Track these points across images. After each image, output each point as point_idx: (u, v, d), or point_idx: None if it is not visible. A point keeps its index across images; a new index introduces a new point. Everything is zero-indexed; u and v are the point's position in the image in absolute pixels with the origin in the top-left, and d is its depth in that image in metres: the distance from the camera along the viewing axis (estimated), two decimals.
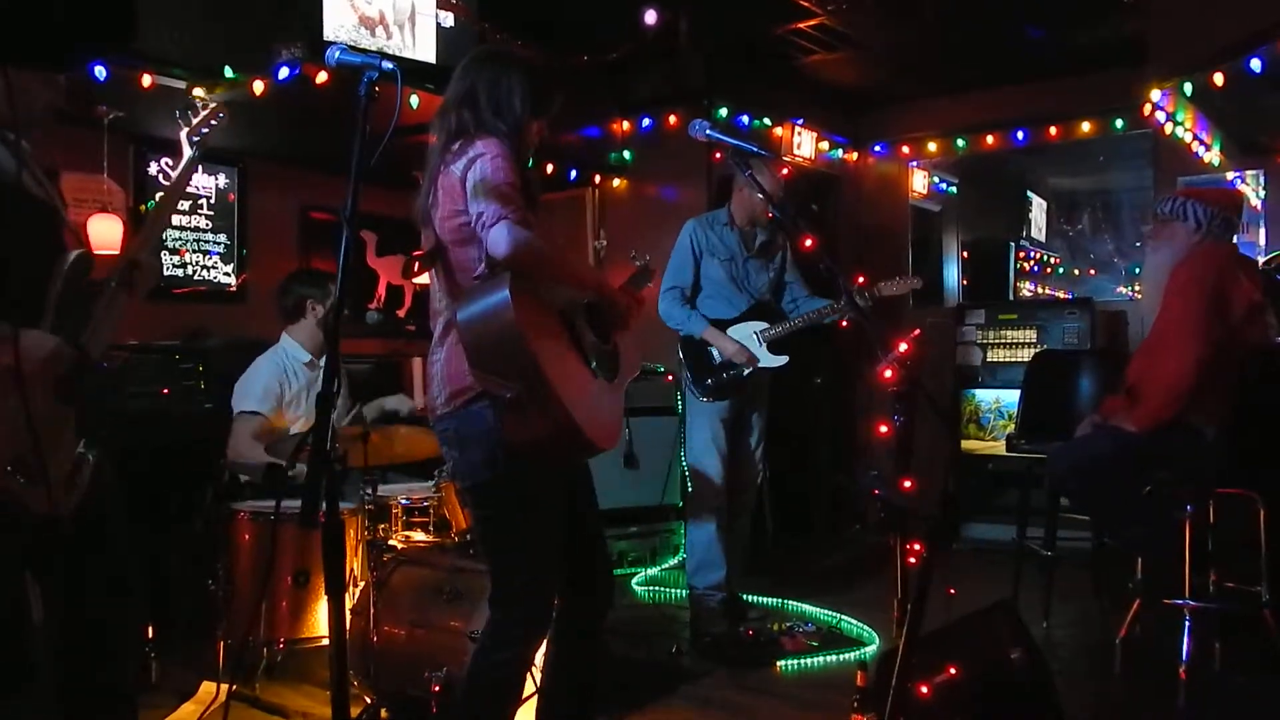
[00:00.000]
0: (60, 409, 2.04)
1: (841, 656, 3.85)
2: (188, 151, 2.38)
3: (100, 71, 3.84)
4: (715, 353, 4.25)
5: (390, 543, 3.50)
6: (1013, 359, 6.07)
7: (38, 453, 1.93)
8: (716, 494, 4.29)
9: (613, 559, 3.98)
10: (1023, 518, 4.44)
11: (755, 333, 4.24)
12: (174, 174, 2.38)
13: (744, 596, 4.49)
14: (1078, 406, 4.66)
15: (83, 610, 2.14)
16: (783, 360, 4.26)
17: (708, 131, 2.64)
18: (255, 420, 3.80)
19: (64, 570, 2.11)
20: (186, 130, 2.39)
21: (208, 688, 3.29)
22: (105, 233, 4.36)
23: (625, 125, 6.18)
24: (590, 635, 2.51)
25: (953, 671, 2.41)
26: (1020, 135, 6.43)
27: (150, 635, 3.37)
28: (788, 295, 4.42)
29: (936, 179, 7.45)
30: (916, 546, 2.28)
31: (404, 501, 3.63)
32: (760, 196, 3.99)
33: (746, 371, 4.23)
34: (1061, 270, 9.86)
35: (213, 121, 2.41)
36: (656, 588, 4.98)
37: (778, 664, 3.78)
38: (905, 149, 6.94)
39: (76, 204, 4.39)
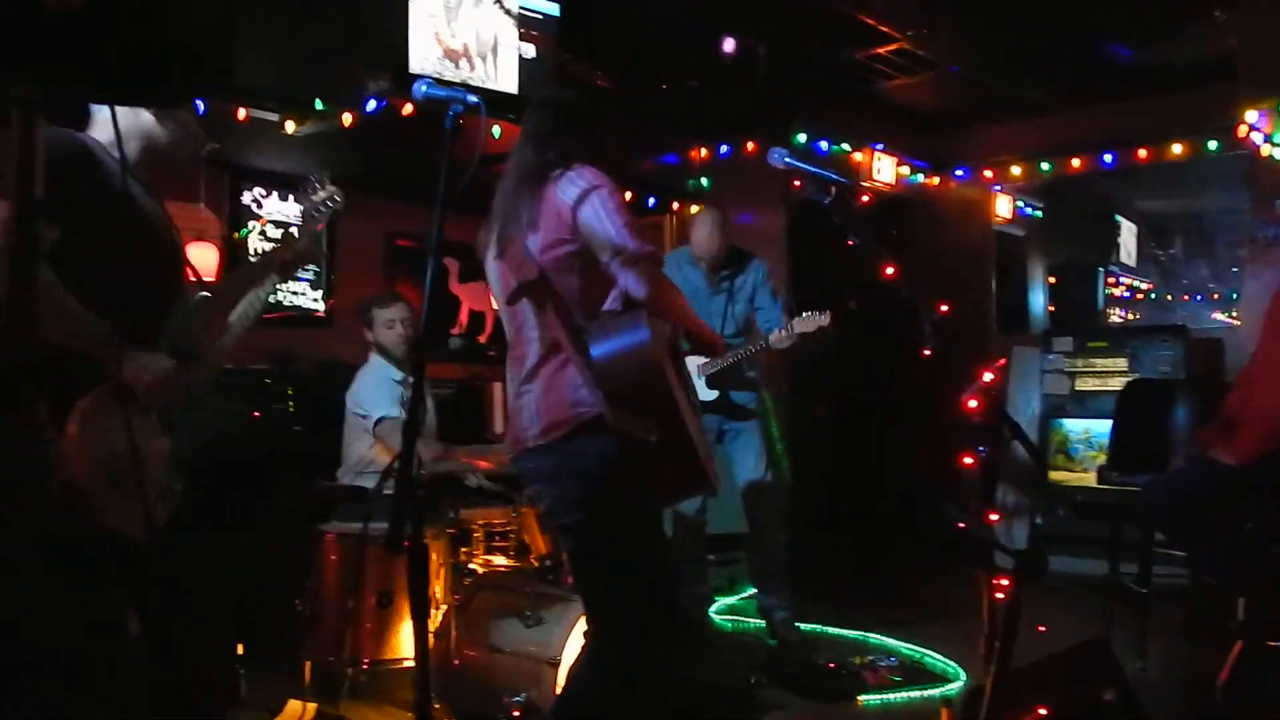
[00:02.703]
0: (159, 431, 2.11)
1: (925, 693, 3.76)
2: (300, 222, 2.50)
3: (199, 105, 4.00)
4: None
5: (471, 566, 3.53)
6: (1102, 388, 5.91)
7: (137, 472, 1.99)
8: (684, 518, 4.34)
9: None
10: (1114, 552, 4.30)
11: (696, 366, 4.24)
12: (295, 239, 2.49)
13: (824, 629, 4.44)
14: (1172, 438, 4.51)
15: (169, 630, 2.19)
16: (713, 395, 4.31)
17: (786, 159, 2.64)
18: (398, 421, 3.84)
19: (153, 589, 2.17)
20: (305, 207, 2.50)
21: (294, 706, 3.35)
22: (201, 260, 4.52)
23: (703, 152, 6.20)
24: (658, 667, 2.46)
25: (1042, 712, 2.34)
26: (1108, 157, 6.27)
27: (240, 652, 3.45)
28: (760, 319, 4.40)
29: (1021, 203, 7.31)
30: (1004, 581, 2.22)
31: (485, 526, 3.67)
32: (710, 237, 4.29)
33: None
34: (1154, 296, 9.57)
35: (329, 203, 2.52)
36: (735, 617, 4.93)
37: (859, 698, 3.71)
38: (988, 172, 6.83)
39: None
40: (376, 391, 3.93)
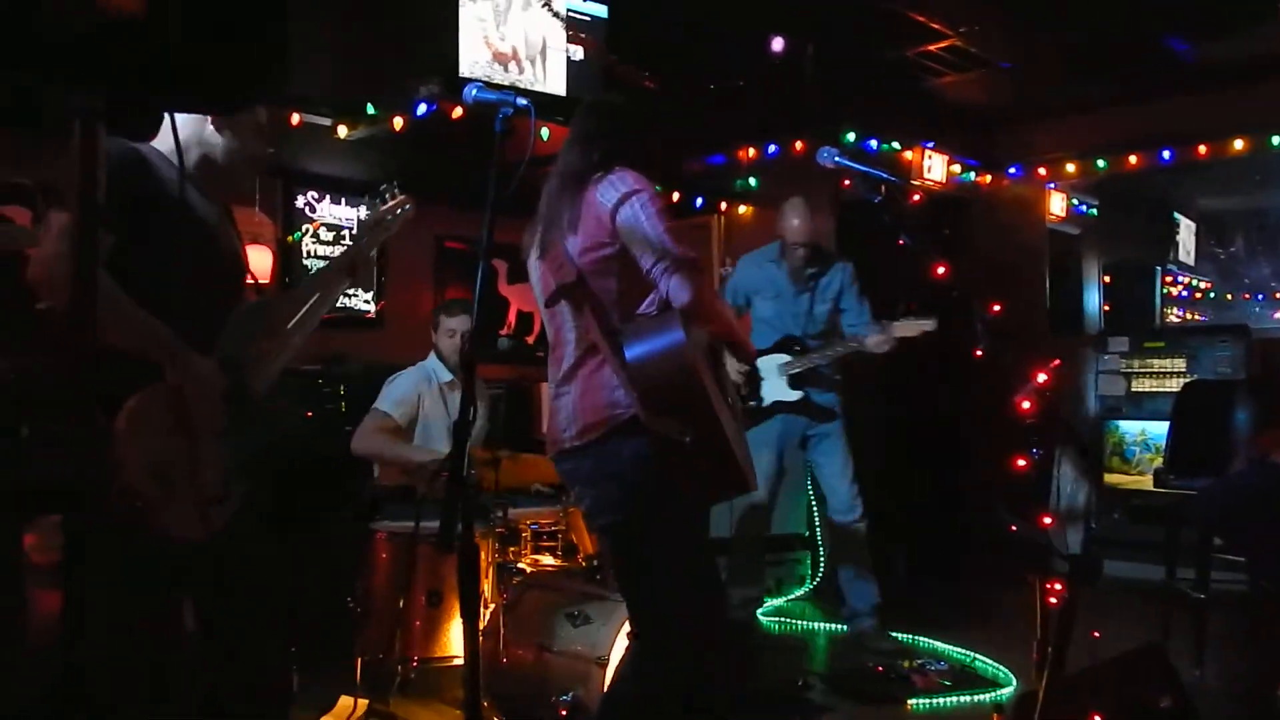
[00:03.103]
0: (213, 433, 2.15)
1: (975, 697, 3.72)
2: (367, 223, 2.55)
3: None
4: None
5: (519, 566, 3.56)
6: (1160, 389, 5.80)
7: (190, 474, 2.03)
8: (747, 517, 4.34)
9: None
10: (1171, 557, 4.22)
11: (779, 365, 4.21)
12: (364, 244, 2.54)
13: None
14: (1231, 440, 4.40)
15: (225, 630, 2.22)
16: (798, 395, 4.27)
17: (836, 159, 2.62)
18: (382, 419, 3.94)
19: (208, 590, 2.20)
20: (374, 212, 2.55)
21: (345, 702, 3.39)
22: (256, 263, 4.59)
23: (751, 151, 6.17)
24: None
25: (1096, 719, 2.30)
26: (1166, 154, 6.12)
27: (291, 649, 3.50)
28: (845, 320, 4.36)
29: (1075, 201, 7.17)
30: (1058, 585, 2.19)
31: (533, 526, 3.69)
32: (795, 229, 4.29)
33: (767, 401, 4.24)
34: (1213, 295, 9.35)
35: (398, 210, 2.57)
36: (782, 619, 4.91)
37: (908, 702, 3.68)
38: (1041, 170, 6.70)
39: None
40: (397, 392, 3.99)
